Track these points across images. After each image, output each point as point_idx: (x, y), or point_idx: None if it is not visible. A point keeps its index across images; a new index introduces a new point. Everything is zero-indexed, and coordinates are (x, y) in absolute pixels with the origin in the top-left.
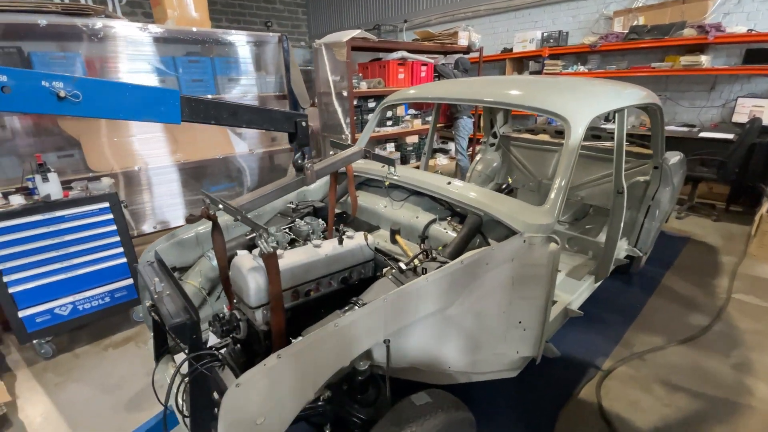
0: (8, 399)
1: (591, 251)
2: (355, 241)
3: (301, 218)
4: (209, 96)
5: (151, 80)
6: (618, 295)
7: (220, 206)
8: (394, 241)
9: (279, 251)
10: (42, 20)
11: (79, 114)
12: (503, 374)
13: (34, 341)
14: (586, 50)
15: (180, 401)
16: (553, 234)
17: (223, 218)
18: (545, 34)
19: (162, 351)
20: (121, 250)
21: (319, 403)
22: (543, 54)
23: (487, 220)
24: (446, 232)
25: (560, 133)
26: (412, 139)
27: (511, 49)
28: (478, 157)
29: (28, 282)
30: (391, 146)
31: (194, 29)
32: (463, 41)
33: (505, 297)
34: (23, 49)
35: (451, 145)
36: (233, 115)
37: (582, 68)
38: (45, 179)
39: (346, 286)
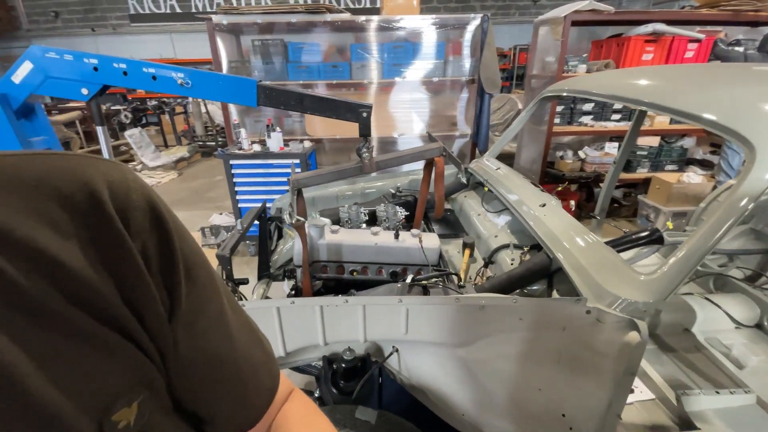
0: None
1: None
2: (413, 240)
3: (398, 204)
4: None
5: (357, 64)
6: None
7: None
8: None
9: (335, 227)
10: (293, 18)
11: (192, 95)
12: None
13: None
14: None
15: None
16: (645, 319)
17: (328, 190)
18: None
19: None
20: None
21: (311, 365)
22: None
23: (558, 266)
24: (510, 263)
25: None
26: (649, 141)
27: None
28: (731, 182)
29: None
30: (612, 146)
31: (397, 17)
32: None
33: (543, 372)
34: (284, 41)
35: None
36: (300, 103)
37: None
38: (268, 137)
39: (396, 281)
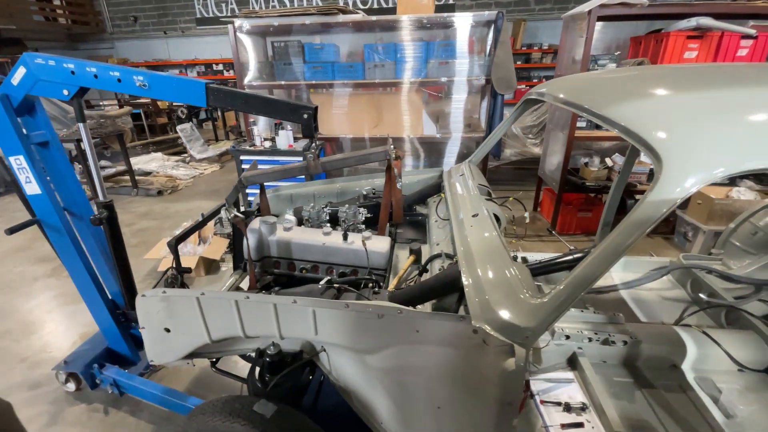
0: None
1: None
2: (358, 243)
3: (370, 206)
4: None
5: (370, 63)
6: None
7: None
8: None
9: (289, 225)
10: (306, 20)
11: (151, 96)
12: None
13: None
14: None
15: None
16: (527, 344)
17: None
18: None
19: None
20: None
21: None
22: None
23: None
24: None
25: None
26: None
27: None
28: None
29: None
30: None
31: (409, 17)
32: None
33: (442, 390)
34: (302, 42)
35: None
36: (246, 103)
37: None
38: (277, 134)
39: (347, 282)
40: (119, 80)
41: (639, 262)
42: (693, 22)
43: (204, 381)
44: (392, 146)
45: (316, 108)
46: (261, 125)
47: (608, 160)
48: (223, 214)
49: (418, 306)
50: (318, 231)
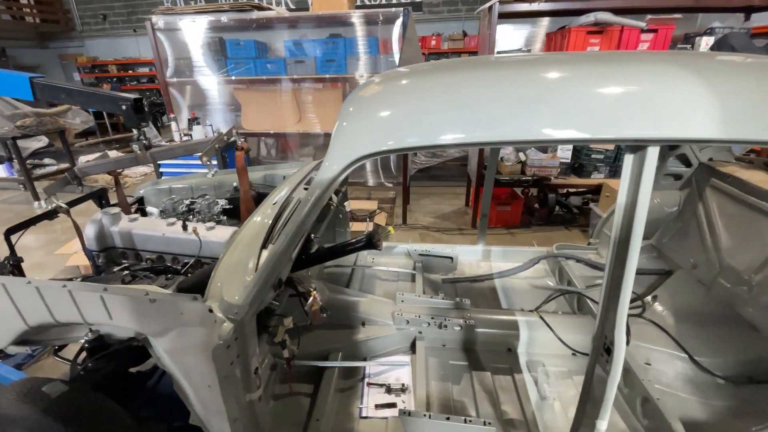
0: None
1: None
2: (202, 233)
3: (227, 199)
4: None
5: (291, 60)
6: None
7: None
8: None
9: (134, 216)
10: (222, 17)
11: None
12: None
13: None
14: None
15: None
16: (236, 320)
17: (184, 181)
18: None
19: None
20: None
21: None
22: None
23: None
24: None
25: None
26: (606, 144)
27: None
28: None
29: None
30: (567, 149)
31: (319, 13)
32: None
33: (208, 369)
34: (223, 38)
35: None
36: (69, 96)
37: None
38: (191, 129)
39: (148, 269)
40: None
41: (519, 252)
42: (591, 17)
43: None
44: (241, 138)
45: (137, 99)
46: (183, 121)
47: (521, 155)
48: (35, 205)
49: None
50: (163, 222)
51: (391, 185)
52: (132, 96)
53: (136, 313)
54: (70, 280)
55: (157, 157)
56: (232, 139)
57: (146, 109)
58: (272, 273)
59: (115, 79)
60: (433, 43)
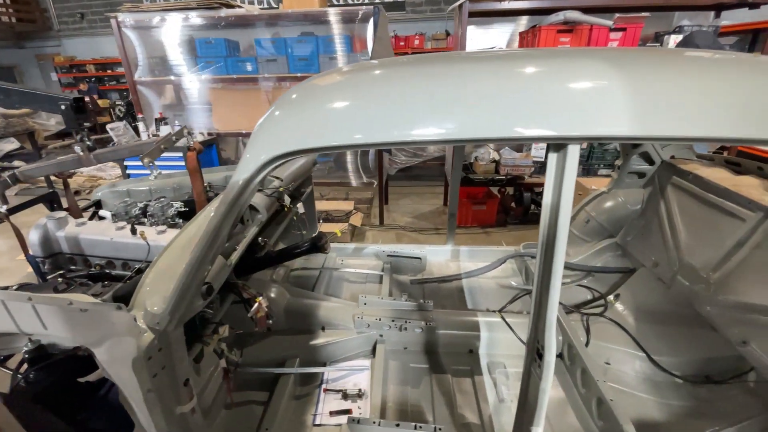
0: None
1: None
2: (149, 236)
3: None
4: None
5: (262, 58)
6: None
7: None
8: None
9: (82, 220)
10: (191, 14)
11: None
12: None
13: None
14: None
15: None
16: (159, 330)
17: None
18: None
19: None
20: None
21: None
22: None
23: None
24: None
25: (736, 165)
26: None
27: None
28: (601, 190)
29: None
30: (540, 147)
31: (289, 11)
32: None
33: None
34: (193, 37)
35: None
36: (8, 96)
37: None
38: (158, 129)
39: (85, 276)
40: None
41: (488, 251)
42: (561, 16)
43: None
44: (192, 137)
45: (77, 99)
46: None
47: (495, 154)
48: None
49: None
50: (112, 226)
51: (374, 184)
52: (71, 96)
53: (68, 323)
54: (7, 288)
55: (101, 158)
56: (183, 139)
57: (89, 109)
58: (192, 281)
59: (93, 79)
60: (417, 42)
